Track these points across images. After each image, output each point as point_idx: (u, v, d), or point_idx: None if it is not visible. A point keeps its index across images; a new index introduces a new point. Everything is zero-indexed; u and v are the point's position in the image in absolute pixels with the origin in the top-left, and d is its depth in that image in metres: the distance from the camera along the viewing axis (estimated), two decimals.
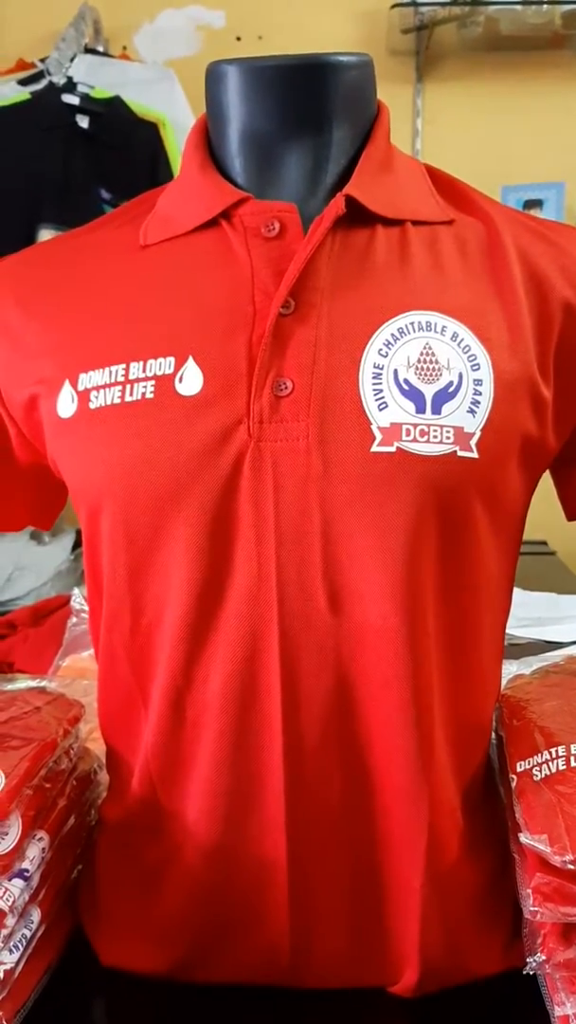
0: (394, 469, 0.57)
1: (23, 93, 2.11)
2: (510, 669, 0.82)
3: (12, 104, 2.09)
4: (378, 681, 0.59)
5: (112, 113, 2.10)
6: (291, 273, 0.59)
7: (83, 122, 2.09)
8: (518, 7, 2.26)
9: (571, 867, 0.55)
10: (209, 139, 0.68)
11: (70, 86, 2.10)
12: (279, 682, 0.59)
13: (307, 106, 0.64)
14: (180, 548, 0.59)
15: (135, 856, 0.67)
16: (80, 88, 2.10)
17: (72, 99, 2.09)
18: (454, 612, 0.61)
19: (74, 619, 1.28)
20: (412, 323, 0.59)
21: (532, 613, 1.61)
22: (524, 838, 0.57)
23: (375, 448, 0.57)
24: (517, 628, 1.52)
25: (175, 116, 2.19)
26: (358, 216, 0.62)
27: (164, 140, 2.16)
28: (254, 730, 0.60)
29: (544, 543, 2.19)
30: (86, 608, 1.26)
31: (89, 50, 2.24)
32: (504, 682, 0.78)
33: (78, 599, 1.30)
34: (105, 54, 2.30)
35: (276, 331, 0.59)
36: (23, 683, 0.89)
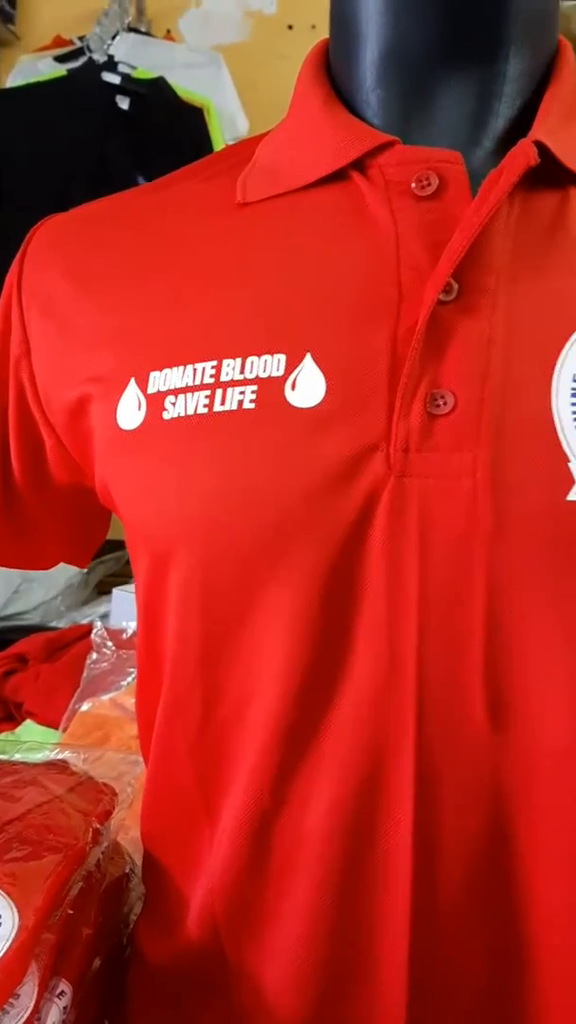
0: None
1: (59, 70, 1.96)
2: None
3: (47, 81, 1.94)
4: (549, 825, 0.42)
5: (155, 95, 1.95)
6: (457, 244, 0.42)
7: (123, 103, 1.93)
8: None
9: None
10: (330, 69, 0.51)
11: (111, 64, 1.94)
12: (410, 817, 0.42)
13: (478, 24, 0.46)
14: (279, 620, 0.42)
15: (183, 1014, 0.50)
16: (121, 67, 1.94)
17: (113, 78, 1.93)
18: None
19: (94, 655, 1.10)
20: None
21: None
22: None
23: (573, 496, 0.40)
24: None
25: (222, 103, 2.05)
26: (543, 173, 0.45)
27: (209, 127, 2.00)
28: (369, 882, 0.43)
29: None
30: (109, 643, 1.09)
31: (132, 29, 2.09)
32: None
33: (100, 632, 1.12)
34: (148, 35, 2.16)
35: (433, 324, 0.42)
36: (37, 751, 0.72)
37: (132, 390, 0.45)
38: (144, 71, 1.97)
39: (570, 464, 0.40)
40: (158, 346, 0.46)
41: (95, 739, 0.97)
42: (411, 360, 0.41)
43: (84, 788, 0.62)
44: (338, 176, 0.47)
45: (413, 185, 0.44)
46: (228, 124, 2.08)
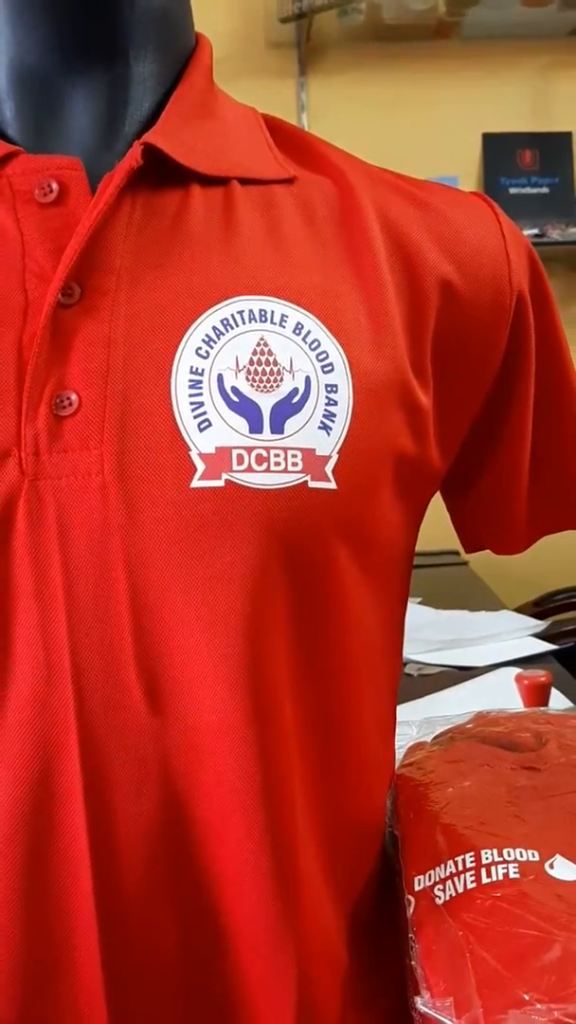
0: (224, 509, 0.42)
1: None
2: (408, 732, 0.67)
3: None
4: (218, 799, 0.44)
5: None
6: (72, 247, 0.43)
7: None
8: None
9: None
10: None
11: None
12: (83, 809, 0.43)
13: (92, 31, 0.48)
14: None
15: None
16: None
17: None
18: (320, 694, 0.46)
19: None
20: (241, 312, 0.44)
21: (442, 635, 1.48)
22: (422, 1005, 0.42)
23: (196, 483, 0.42)
24: (425, 653, 1.39)
25: None
26: (166, 173, 0.46)
27: None
28: (53, 878, 0.44)
29: (455, 553, 2.07)
30: None
31: None
32: (400, 754, 0.63)
33: None
34: None
35: (54, 327, 0.43)
36: None
37: None
38: None
39: (191, 453, 0.42)
40: None
41: None
42: (33, 363, 0.42)
43: None
44: None
45: (36, 193, 0.45)
46: None
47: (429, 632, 1.54)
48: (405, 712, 0.62)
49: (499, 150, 2.37)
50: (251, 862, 0.44)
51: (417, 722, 0.69)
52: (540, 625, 1.52)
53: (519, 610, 1.72)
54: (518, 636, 1.48)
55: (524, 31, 2.27)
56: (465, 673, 1.31)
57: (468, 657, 1.38)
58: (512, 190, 2.36)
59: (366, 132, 2.30)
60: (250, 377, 0.43)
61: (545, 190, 2.36)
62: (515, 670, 1.25)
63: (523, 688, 1.03)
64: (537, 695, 1.01)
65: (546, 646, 1.41)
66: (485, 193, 2.12)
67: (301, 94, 2.31)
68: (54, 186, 0.45)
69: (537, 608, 1.90)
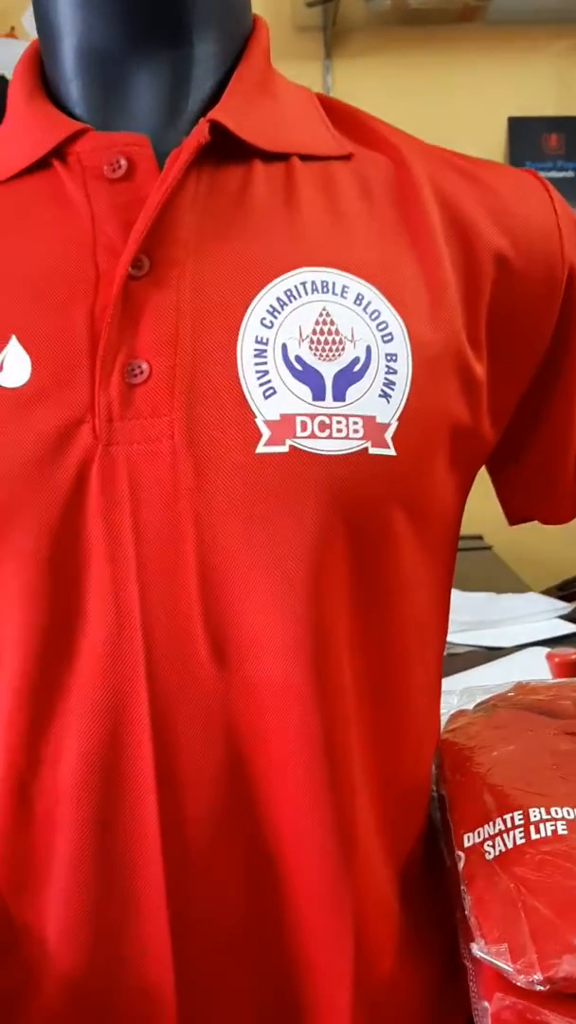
0: (288, 474, 0.43)
1: None
2: (450, 702, 0.69)
3: None
4: (281, 753, 0.45)
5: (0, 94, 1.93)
6: (141, 222, 0.45)
7: None
8: None
9: (540, 988, 0.42)
10: (42, 66, 0.53)
11: None
12: (152, 761, 0.45)
13: (158, 13, 0.49)
14: (10, 591, 0.45)
15: None
16: None
17: None
18: (376, 655, 0.48)
19: None
20: (303, 283, 0.45)
21: (469, 616, 1.49)
22: (478, 950, 0.44)
23: (262, 448, 0.43)
24: (454, 634, 1.40)
25: None
26: (230, 149, 0.48)
27: None
28: (123, 825, 0.46)
29: (480, 537, 2.08)
30: None
31: None
32: (443, 721, 0.65)
33: None
34: None
35: (125, 298, 0.44)
36: None
37: None
38: None
39: (257, 420, 0.44)
40: None
41: None
42: (106, 334, 0.44)
43: None
44: (41, 165, 0.49)
45: (105, 169, 0.47)
46: None
47: (457, 613, 1.55)
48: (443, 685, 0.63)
49: (524, 134, 2.37)
50: (312, 815, 0.46)
51: (458, 691, 0.71)
52: (567, 607, 1.53)
53: (544, 593, 1.74)
54: (545, 618, 1.49)
55: (549, 15, 2.26)
56: (493, 653, 1.33)
57: (496, 638, 1.39)
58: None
59: (391, 115, 2.28)
60: (313, 346, 0.45)
61: (571, 174, 2.35)
62: (542, 650, 1.27)
63: (554, 665, 1.05)
64: (568, 672, 1.02)
65: (572, 627, 1.42)
66: None
67: (327, 77, 2.32)
68: (123, 162, 0.46)
69: (562, 592, 1.91)
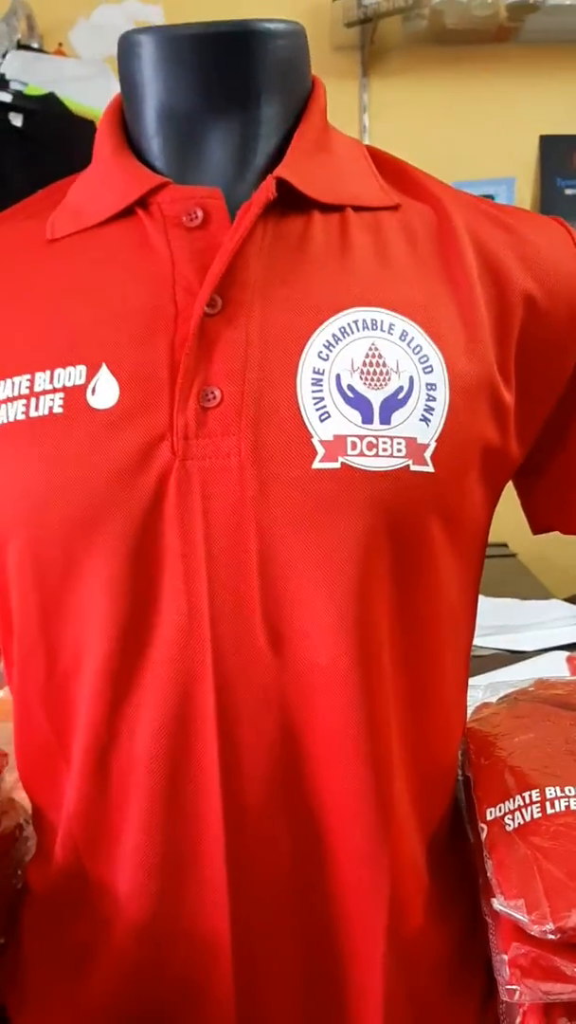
0: (339, 487, 0.50)
1: None
2: (476, 695, 0.75)
3: None
4: (328, 730, 0.52)
5: (47, 111, 2.01)
6: (216, 267, 0.52)
7: (16, 120, 2.00)
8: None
9: (552, 937, 0.48)
10: (124, 120, 0.60)
11: (2, 83, 2.00)
12: (215, 735, 0.52)
13: (231, 79, 0.56)
14: (98, 584, 0.52)
15: (61, 931, 0.59)
16: (13, 85, 2.01)
17: (4, 96, 1.99)
18: (412, 647, 0.54)
19: None
20: (355, 321, 0.52)
21: (494, 621, 1.55)
22: (498, 904, 0.51)
23: (317, 464, 0.50)
24: (479, 637, 1.44)
25: None
26: (292, 201, 0.54)
27: None
28: (189, 791, 0.53)
29: (504, 545, 2.14)
30: None
31: (23, 46, 2.15)
32: (469, 712, 0.71)
33: None
34: (40, 50, 2.22)
35: (201, 333, 0.51)
36: None
37: None
38: (35, 87, 2.04)
39: (313, 440, 0.50)
40: None
41: None
42: (185, 364, 0.51)
43: None
44: (126, 213, 0.56)
45: (184, 218, 0.54)
46: None
47: (482, 618, 1.61)
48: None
49: (556, 151, 2.42)
50: (354, 783, 0.52)
51: (483, 686, 0.77)
52: None
53: (566, 600, 1.79)
54: (566, 623, 1.54)
55: None
56: (516, 656, 1.39)
57: (519, 642, 1.45)
58: (568, 191, 2.40)
59: (426, 133, 2.37)
60: (363, 376, 0.51)
61: None
62: (564, 654, 1.33)
63: (574, 668, 1.10)
64: None
65: None
66: (541, 194, 2.16)
67: (363, 95, 2.38)
68: (199, 213, 0.53)
69: None
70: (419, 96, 2.39)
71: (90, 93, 2.11)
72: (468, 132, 2.38)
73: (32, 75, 2.06)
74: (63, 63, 2.20)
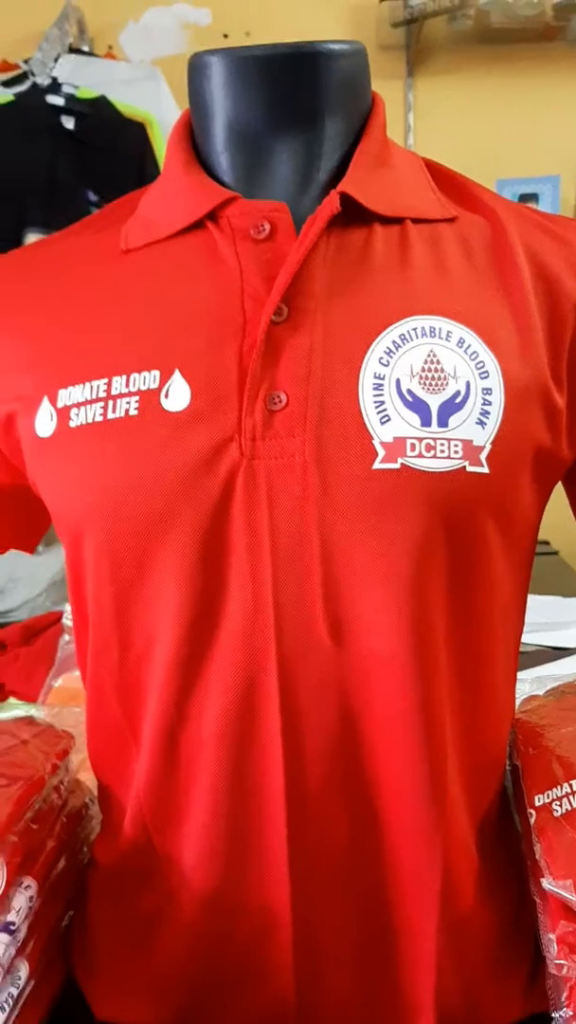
0: (398, 487, 0.53)
1: (7, 95, 2.07)
2: (523, 688, 0.78)
3: None
4: (385, 715, 0.55)
5: (98, 113, 2.06)
6: (283, 277, 0.55)
7: (68, 123, 2.04)
8: None
9: None
10: (193, 136, 0.64)
11: (54, 87, 2.05)
12: (279, 717, 0.55)
13: (297, 98, 0.59)
14: (169, 576, 0.55)
15: (128, 903, 0.63)
16: (65, 88, 2.06)
17: (57, 100, 2.04)
18: (465, 638, 0.57)
19: (66, 637, 1.23)
20: (415, 329, 0.55)
21: (537, 618, 1.56)
22: (547, 884, 0.53)
23: (377, 465, 0.53)
24: (523, 634, 1.47)
25: (162, 115, 2.15)
26: (354, 215, 0.57)
27: (152, 140, 2.12)
28: (253, 770, 0.56)
29: (547, 543, 2.15)
30: None
31: (74, 50, 2.20)
32: (517, 704, 0.74)
33: (70, 616, 1.25)
34: (90, 54, 2.26)
35: (268, 340, 0.54)
36: (11, 712, 0.85)
37: (46, 406, 0.58)
38: (86, 90, 2.08)
39: (374, 441, 0.53)
40: (64, 369, 0.58)
41: None
42: (253, 370, 0.54)
43: (46, 734, 0.75)
44: (197, 225, 0.59)
45: (252, 231, 0.57)
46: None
47: (526, 614, 1.63)
48: None
49: None
50: (409, 767, 0.55)
51: (530, 679, 0.79)
52: None
53: None
54: None
55: None
56: (559, 652, 1.40)
57: (562, 638, 1.46)
58: None
59: (470, 132, 2.38)
60: (422, 381, 0.54)
61: None
62: None
63: None
64: None
65: None
66: None
67: (409, 95, 2.40)
68: (266, 226, 0.57)
69: None
70: (464, 95, 2.40)
71: (140, 96, 2.15)
72: (513, 130, 2.39)
73: (83, 78, 2.11)
74: (113, 66, 2.24)
